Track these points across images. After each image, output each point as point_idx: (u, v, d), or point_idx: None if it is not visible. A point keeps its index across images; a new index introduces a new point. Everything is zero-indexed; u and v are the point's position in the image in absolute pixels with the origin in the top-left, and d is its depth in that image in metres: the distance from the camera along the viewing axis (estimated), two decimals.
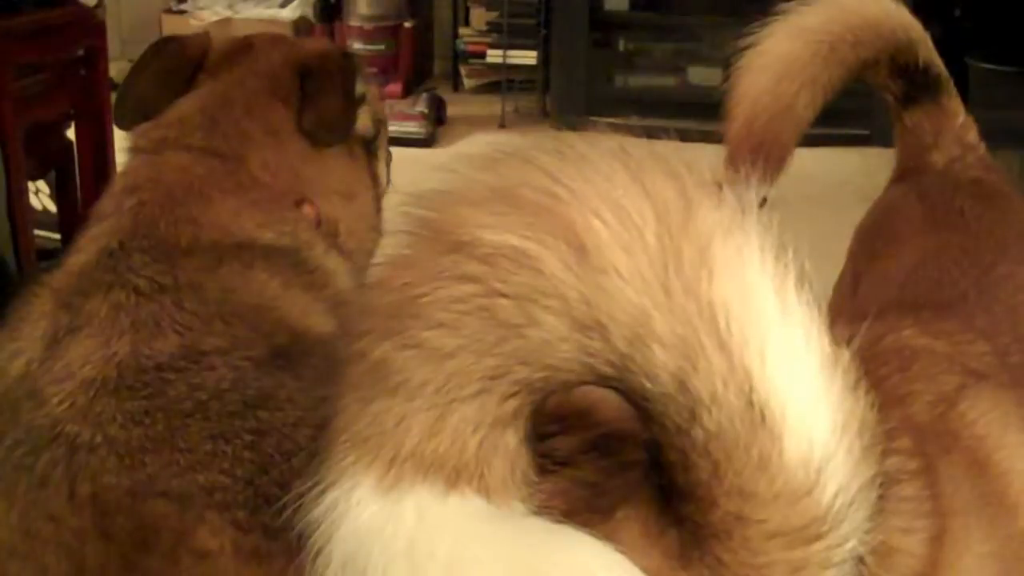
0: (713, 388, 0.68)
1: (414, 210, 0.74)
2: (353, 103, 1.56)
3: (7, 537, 1.02)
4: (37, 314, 1.16)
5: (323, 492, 0.72)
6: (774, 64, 1.44)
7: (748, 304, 0.68)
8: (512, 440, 0.73)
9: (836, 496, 0.70)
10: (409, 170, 4.37)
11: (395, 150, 4.72)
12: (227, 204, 1.35)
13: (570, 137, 0.74)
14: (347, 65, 1.56)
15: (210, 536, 0.95)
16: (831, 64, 1.45)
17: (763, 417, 0.69)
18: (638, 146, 0.72)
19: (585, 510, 0.76)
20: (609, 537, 0.73)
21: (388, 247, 0.75)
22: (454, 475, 0.71)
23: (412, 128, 4.75)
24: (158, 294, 1.16)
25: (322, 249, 1.42)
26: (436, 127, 4.92)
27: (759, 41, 1.43)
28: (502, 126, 5.05)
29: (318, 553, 0.72)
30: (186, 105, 1.41)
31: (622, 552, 0.73)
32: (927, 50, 1.52)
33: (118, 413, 1.03)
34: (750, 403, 0.68)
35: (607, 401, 0.81)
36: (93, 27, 2.70)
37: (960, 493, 0.92)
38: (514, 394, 0.71)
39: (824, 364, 0.70)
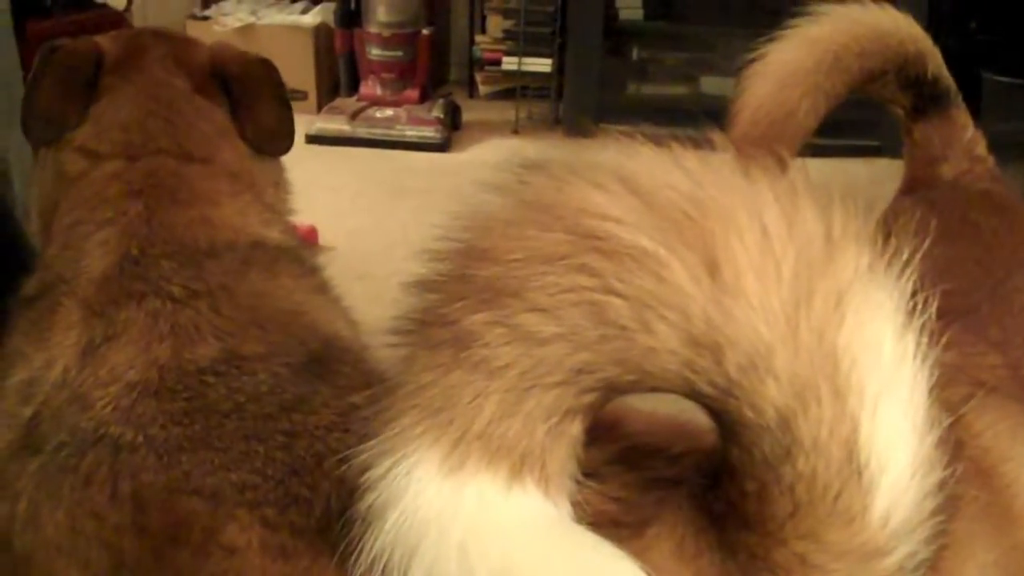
0: (817, 434, 0.67)
1: (529, 177, 0.71)
2: (290, 110, 1.55)
3: (54, 535, 1.04)
4: (65, 323, 1.17)
5: (383, 456, 0.70)
6: (777, 71, 1.45)
7: (872, 358, 0.66)
8: (577, 429, 0.71)
9: (905, 560, 0.70)
10: (425, 173, 4.39)
11: (412, 154, 4.79)
12: (231, 205, 1.36)
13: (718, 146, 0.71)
14: (272, 70, 1.55)
15: (239, 533, 0.96)
16: (835, 73, 1.46)
17: (860, 473, 0.67)
18: (792, 170, 0.70)
19: (611, 524, 0.75)
20: (638, 554, 0.72)
21: (486, 207, 0.71)
22: (519, 463, 0.69)
23: (428, 133, 4.79)
24: (193, 300, 1.17)
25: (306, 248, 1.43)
26: (451, 132, 4.95)
27: (767, 52, 1.44)
28: (516, 132, 5.08)
29: (368, 522, 0.71)
30: (126, 109, 1.40)
31: (650, 571, 0.71)
32: (936, 62, 1.53)
33: (159, 414, 1.05)
34: (850, 456, 0.67)
35: (635, 413, 0.83)
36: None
37: (965, 502, 0.91)
38: (596, 389, 0.69)
39: (925, 430, 0.69)
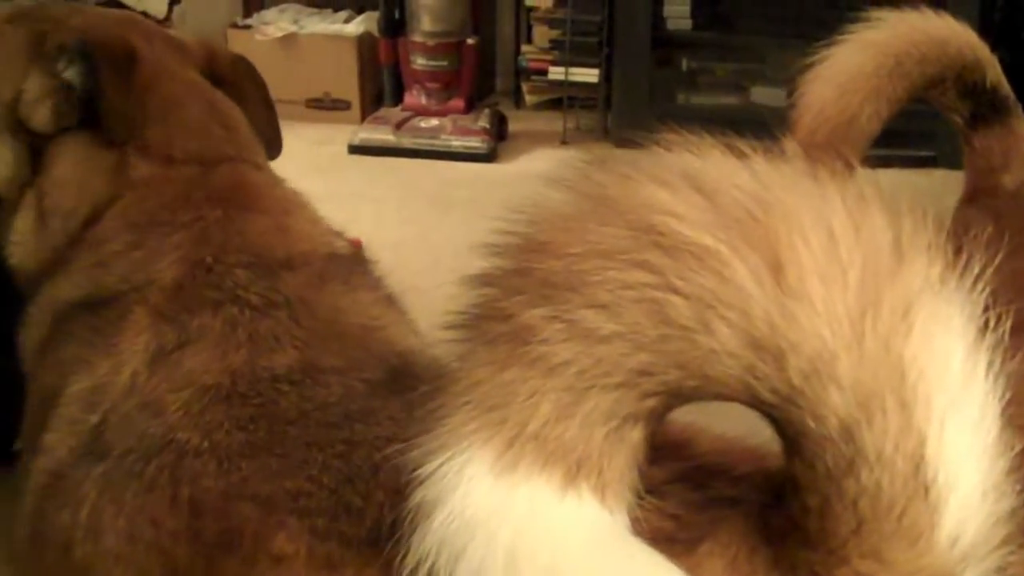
0: (882, 446, 0.65)
1: (590, 172, 0.70)
2: (276, 114, 1.54)
3: (114, 544, 1.04)
4: (134, 329, 1.17)
5: (434, 453, 0.69)
6: (839, 76, 1.46)
7: (940, 370, 0.65)
8: (637, 436, 0.70)
9: None
10: (471, 184, 4.39)
11: (457, 165, 4.80)
12: (302, 213, 1.36)
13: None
14: (256, 71, 1.53)
15: (287, 541, 0.95)
16: (896, 78, 1.46)
17: (927, 490, 0.66)
18: (860, 176, 0.68)
19: (665, 541, 0.74)
20: (690, 570, 0.71)
21: (546, 202, 0.70)
22: (574, 468, 0.68)
23: (474, 143, 4.77)
24: (272, 309, 1.17)
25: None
26: (498, 143, 4.93)
27: (826, 57, 1.44)
28: (563, 142, 5.05)
29: (415, 521, 0.69)
30: (183, 111, 1.39)
31: None
32: (995, 71, 1.54)
33: (226, 419, 1.05)
34: (916, 471, 0.65)
35: (703, 435, 0.82)
36: None
37: None
38: (657, 393, 0.68)
39: (996, 449, 0.67)
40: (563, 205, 0.70)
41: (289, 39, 5.24)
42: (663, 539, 0.74)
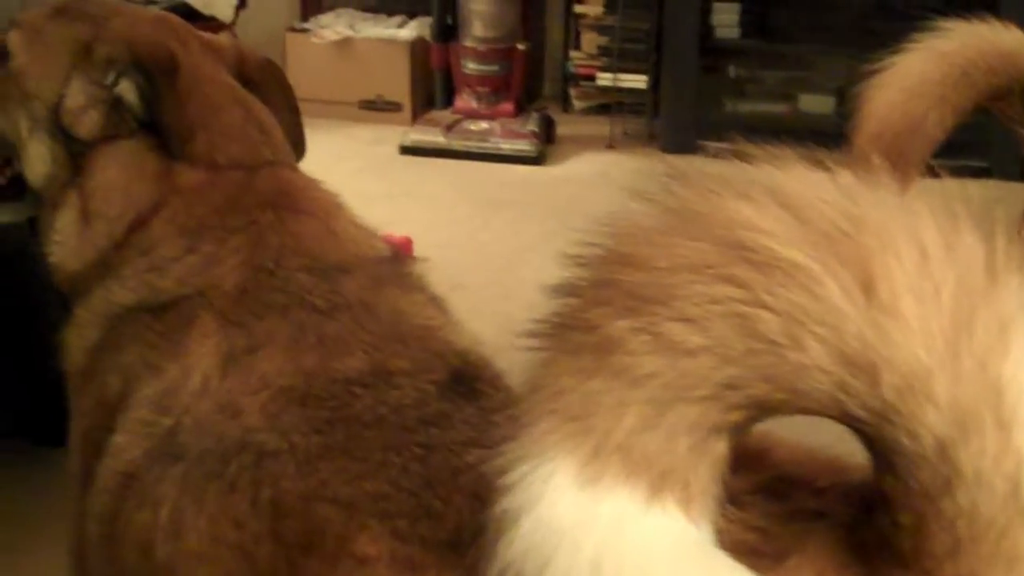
0: (980, 465, 0.64)
1: (674, 186, 0.69)
2: (301, 118, 1.54)
3: (196, 544, 1.04)
4: (201, 333, 1.18)
5: (519, 462, 0.68)
6: (904, 82, 1.43)
7: None
8: (721, 448, 0.68)
9: None
10: (519, 186, 4.42)
11: (506, 167, 4.83)
12: (345, 215, 1.36)
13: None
14: (284, 74, 1.53)
15: (369, 543, 0.95)
16: (962, 87, 1.43)
17: None
18: (949, 192, 0.67)
19: (749, 554, 0.72)
20: None
21: (630, 215, 0.69)
22: (659, 480, 0.66)
23: (523, 146, 4.82)
24: (337, 313, 1.17)
25: None
26: (546, 146, 4.96)
27: (892, 63, 1.43)
28: (610, 147, 5.07)
29: (500, 529, 0.68)
30: (222, 116, 1.38)
31: None
32: None
33: (303, 422, 1.05)
34: (1016, 493, 0.64)
35: (781, 445, 0.81)
36: None
37: None
38: (743, 407, 0.67)
39: None
40: (647, 218, 0.69)
41: (344, 43, 5.31)
42: (747, 552, 0.73)
